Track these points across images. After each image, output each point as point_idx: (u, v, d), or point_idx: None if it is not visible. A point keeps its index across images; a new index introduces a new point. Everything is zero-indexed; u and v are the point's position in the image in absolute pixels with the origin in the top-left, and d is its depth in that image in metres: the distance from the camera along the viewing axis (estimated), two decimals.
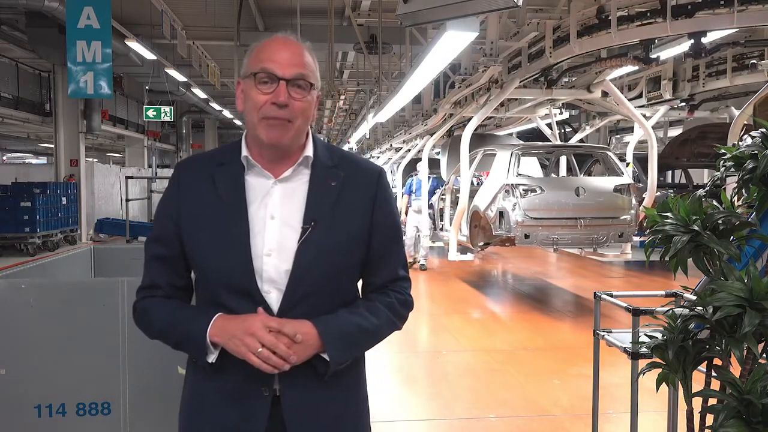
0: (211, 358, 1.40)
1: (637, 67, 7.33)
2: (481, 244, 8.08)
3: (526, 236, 7.13)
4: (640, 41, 5.45)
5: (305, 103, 1.43)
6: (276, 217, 1.43)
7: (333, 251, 1.43)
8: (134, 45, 11.27)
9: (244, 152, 1.47)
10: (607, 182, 7.56)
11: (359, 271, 1.52)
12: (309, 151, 1.48)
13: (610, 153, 8.14)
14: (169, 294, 1.50)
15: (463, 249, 8.67)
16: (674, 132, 13.31)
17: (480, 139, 10.62)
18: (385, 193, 1.53)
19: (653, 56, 5.70)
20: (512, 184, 7.22)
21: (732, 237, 1.65)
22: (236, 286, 1.40)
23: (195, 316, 1.44)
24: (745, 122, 4.23)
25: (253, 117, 1.42)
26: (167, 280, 1.50)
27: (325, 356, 1.39)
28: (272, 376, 1.40)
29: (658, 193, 10.01)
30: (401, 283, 1.55)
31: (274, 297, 1.41)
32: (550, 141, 10.59)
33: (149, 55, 12.03)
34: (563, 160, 10.10)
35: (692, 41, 5.04)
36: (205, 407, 1.46)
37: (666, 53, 7.13)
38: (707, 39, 5.73)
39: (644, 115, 10.56)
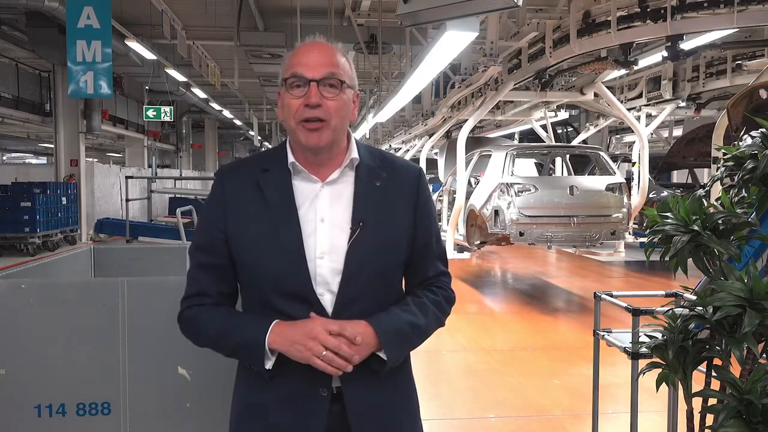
0: (269, 364, 1.40)
1: (619, 71, 7.38)
2: (478, 242, 8.14)
3: (521, 234, 7.23)
4: (619, 45, 5.50)
5: (339, 102, 1.44)
6: (326, 220, 1.45)
7: (381, 251, 1.45)
8: (134, 45, 11.27)
9: (291, 158, 1.48)
10: (600, 181, 7.64)
11: (404, 269, 1.54)
12: (354, 153, 1.50)
13: (602, 153, 8.22)
14: (218, 302, 1.49)
15: (460, 248, 8.70)
16: (679, 131, 13.28)
17: (477, 141, 10.69)
18: (426, 192, 1.56)
19: (631, 59, 5.78)
20: (507, 183, 7.30)
21: (732, 237, 1.65)
22: (291, 290, 1.41)
23: (250, 323, 1.43)
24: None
25: (291, 123, 1.45)
26: (215, 287, 1.49)
27: (382, 354, 1.41)
28: (330, 376, 1.41)
29: (665, 193, 10.05)
30: (443, 278, 1.58)
31: (327, 299, 1.42)
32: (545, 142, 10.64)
33: (149, 55, 12.02)
34: (560, 161, 10.15)
35: (669, 44, 5.07)
36: (260, 412, 1.46)
37: (646, 60, 7.22)
38: (704, 41, 5.77)
39: (650, 114, 10.59)
